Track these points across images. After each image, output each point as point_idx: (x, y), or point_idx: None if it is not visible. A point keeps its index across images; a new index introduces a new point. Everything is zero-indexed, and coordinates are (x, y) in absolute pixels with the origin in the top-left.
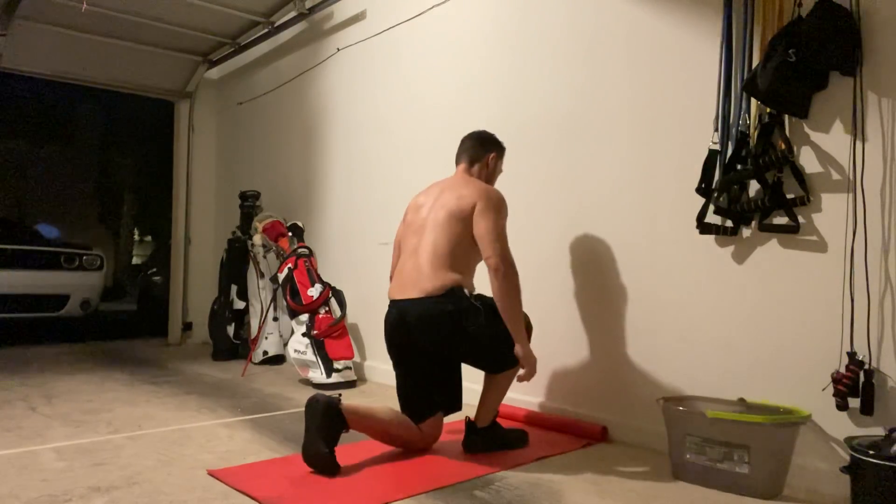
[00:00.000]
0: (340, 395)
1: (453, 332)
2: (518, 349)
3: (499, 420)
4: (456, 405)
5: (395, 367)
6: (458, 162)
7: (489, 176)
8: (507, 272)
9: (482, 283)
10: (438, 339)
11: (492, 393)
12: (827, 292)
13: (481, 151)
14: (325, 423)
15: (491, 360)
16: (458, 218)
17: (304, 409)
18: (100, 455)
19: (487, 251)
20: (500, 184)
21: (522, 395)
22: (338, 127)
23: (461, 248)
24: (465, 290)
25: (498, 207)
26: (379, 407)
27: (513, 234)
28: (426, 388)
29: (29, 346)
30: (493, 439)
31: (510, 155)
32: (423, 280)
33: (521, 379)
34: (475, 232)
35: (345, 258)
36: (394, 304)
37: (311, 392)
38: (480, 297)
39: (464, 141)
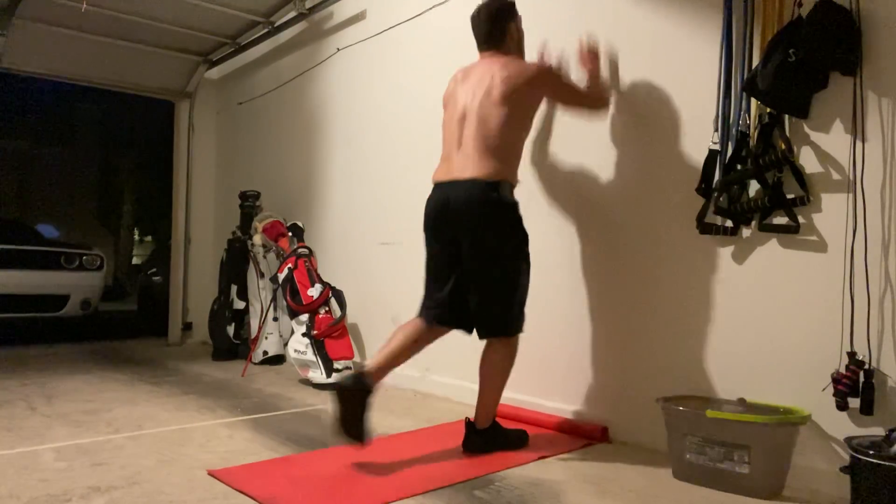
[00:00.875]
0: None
1: (490, 223)
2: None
3: (498, 420)
4: (460, 321)
5: (426, 246)
6: (481, 49)
7: (518, 46)
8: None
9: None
10: (475, 225)
11: (488, 391)
12: (827, 292)
13: (500, 27)
14: (357, 402)
15: (495, 298)
16: (514, 102)
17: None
18: (100, 455)
19: (588, 109)
20: None
21: (523, 395)
22: (338, 127)
23: (510, 130)
24: (512, 185)
25: (559, 76)
26: (389, 348)
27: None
28: (443, 282)
29: (29, 346)
30: (492, 440)
31: None
32: (470, 165)
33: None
34: (564, 104)
35: (345, 258)
36: (438, 185)
37: (312, 392)
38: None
39: (476, 25)
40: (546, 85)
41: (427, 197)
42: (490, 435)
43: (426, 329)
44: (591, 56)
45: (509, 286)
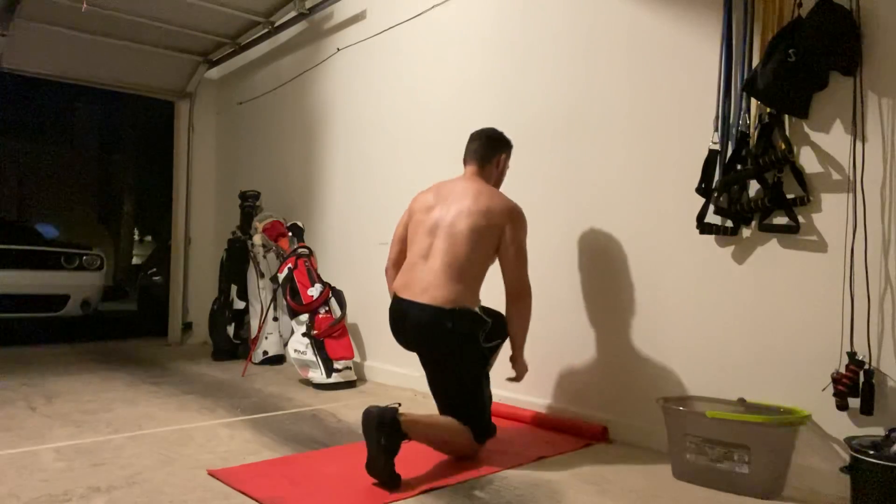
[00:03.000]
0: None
1: (443, 345)
2: (519, 355)
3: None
4: (475, 428)
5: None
6: (466, 162)
7: (499, 177)
8: (528, 300)
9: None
10: (430, 345)
11: (437, 432)
12: (827, 292)
13: (491, 153)
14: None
15: (462, 404)
16: (483, 233)
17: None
18: (100, 455)
19: (513, 276)
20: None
21: (523, 395)
22: (338, 127)
23: (478, 262)
24: (469, 311)
25: (524, 228)
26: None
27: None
28: (442, 394)
29: (29, 346)
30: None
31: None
32: (432, 287)
33: (513, 380)
34: (503, 255)
35: (345, 258)
36: (396, 300)
37: (312, 392)
38: (487, 310)
39: (472, 140)
40: (511, 222)
41: (389, 304)
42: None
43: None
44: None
45: (469, 398)
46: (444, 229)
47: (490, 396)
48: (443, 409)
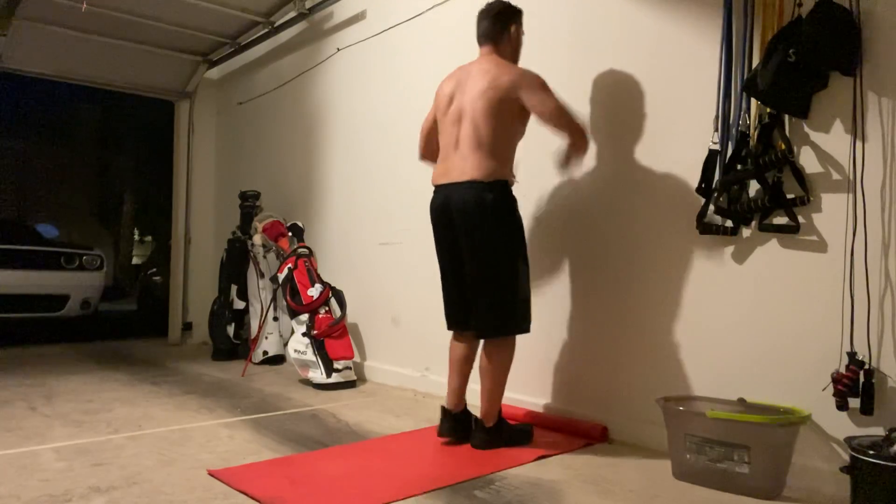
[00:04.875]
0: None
1: (487, 222)
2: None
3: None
4: (484, 327)
5: (437, 251)
6: (480, 44)
7: (515, 48)
8: (586, 138)
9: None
10: (475, 225)
11: (490, 388)
12: (827, 292)
13: (501, 28)
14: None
15: (496, 296)
16: (499, 107)
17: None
18: (100, 455)
19: (564, 131)
20: None
21: (523, 395)
22: (338, 127)
23: (503, 133)
24: (508, 183)
25: (544, 85)
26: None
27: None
28: (459, 292)
29: (29, 346)
30: (499, 436)
31: None
32: (468, 167)
33: (570, 161)
34: (540, 116)
35: (345, 258)
36: (438, 189)
37: (312, 392)
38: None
39: (480, 21)
40: (523, 90)
41: (430, 200)
42: (497, 432)
43: (458, 341)
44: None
45: (509, 286)
46: (466, 115)
47: (528, 286)
48: (477, 308)
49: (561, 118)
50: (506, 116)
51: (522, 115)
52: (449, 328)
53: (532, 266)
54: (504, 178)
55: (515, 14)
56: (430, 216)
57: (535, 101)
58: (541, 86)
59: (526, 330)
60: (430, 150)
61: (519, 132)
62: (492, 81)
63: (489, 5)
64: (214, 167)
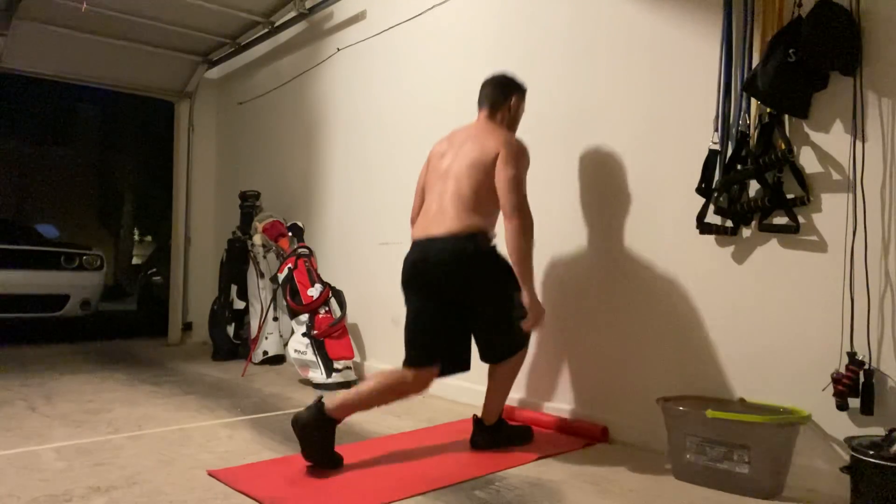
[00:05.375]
0: (321, 396)
1: (471, 274)
2: (524, 296)
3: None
4: (455, 364)
5: (407, 304)
6: (480, 107)
7: (512, 120)
8: (521, 219)
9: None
10: (457, 278)
11: (496, 391)
12: (827, 292)
13: (501, 97)
14: (316, 433)
15: (497, 327)
16: (481, 167)
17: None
18: (100, 455)
19: (503, 200)
20: None
21: (523, 395)
22: (338, 127)
23: (485, 195)
24: (488, 236)
25: (518, 157)
26: (359, 388)
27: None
28: (432, 334)
29: (29, 346)
30: (499, 436)
31: None
32: (447, 220)
33: (525, 327)
34: (496, 181)
35: (345, 258)
36: (416, 243)
37: (312, 392)
38: (501, 256)
39: (484, 86)
40: (499, 154)
41: (405, 255)
42: (497, 431)
43: (411, 374)
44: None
45: (510, 318)
46: (451, 174)
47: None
48: (483, 344)
49: (509, 191)
50: (489, 176)
51: None
52: (412, 365)
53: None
54: (483, 230)
55: (519, 88)
56: (402, 270)
57: (500, 166)
58: (514, 156)
59: (527, 341)
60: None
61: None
62: (480, 145)
63: (495, 74)
64: (214, 167)
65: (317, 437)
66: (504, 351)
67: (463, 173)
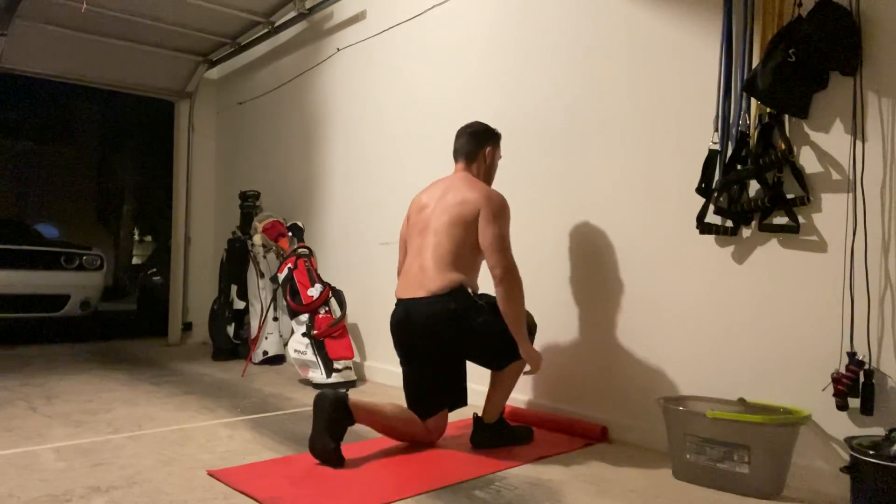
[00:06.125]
0: (347, 390)
1: (458, 329)
2: (522, 352)
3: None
4: (460, 402)
5: (402, 363)
6: (455, 160)
7: (488, 170)
8: (511, 282)
9: (485, 282)
10: (443, 337)
11: (498, 390)
12: (827, 292)
13: (476, 148)
14: (333, 418)
15: (494, 356)
16: (461, 223)
17: (311, 405)
18: (100, 455)
19: (491, 261)
20: (500, 182)
21: (523, 395)
22: (338, 127)
23: (465, 249)
24: (469, 290)
25: (501, 213)
26: (385, 403)
27: (512, 234)
28: (432, 386)
29: (29, 346)
30: (499, 435)
31: (509, 154)
32: (427, 280)
33: (528, 373)
34: (480, 240)
35: (345, 258)
36: (400, 302)
37: (312, 392)
38: (484, 295)
39: (458, 137)
40: (482, 209)
41: (391, 312)
42: (497, 430)
43: (422, 426)
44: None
45: (503, 335)
46: (430, 227)
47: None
48: (487, 367)
49: (495, 250)
50: (470, 232)
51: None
52: (424, 418)
53: (531, 265)
54: (465, 285)
55: (492, 136)
56: (390, 330)
57: (483, 224)
58: (496, 214)
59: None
60: None
61: (480, 250)
62: (461, 197)
63: (468, 124)
64: (214, 167)
65: (331, 422)
66: (504, 361)
67: (442, 229)
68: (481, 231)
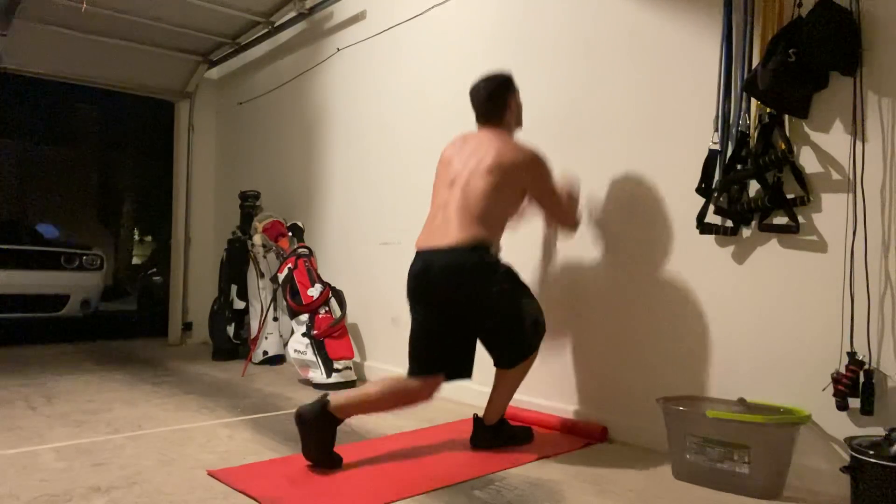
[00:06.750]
0: (326, 394)
1: (474, 287)
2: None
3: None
4: (461, 373)
5: (412, 314)
6: (481, 124)
7: (518, 117)
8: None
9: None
10: (459, 293)
11: (501, 392)
12: (827, 292)
13: (500, 105)
14: (317, 429)
15: (506, 345)
16: (498, 181)
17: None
18: (100, 455)
19: (563, 218)
20: None
21: (523, 395)
22: (338, 127)
23: (494, 204)
24: (493, 249)
25: (548, 174)
26: (365, 387)
27: (513, 233)
28: (436, 344)
29: (29, 346)
30: (500, 435)
31: None
32: (451, 231)
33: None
34: (539, 206)
35: (345, 258)
36: (420, 254)
37: (312, 392)
38: (506, 265)
39: (475, 100)
40: (529, 173)
41: (410, 265)
42: (497, 431)
43: (417, 383)
44: (570, 194)
45: (516, 320)
46: (460, 181)
47: (532, 305)
48: (494, 352)
49: (561, 209)
50: (504, 193)
51: (522, 196)
52: (417, 375)
53: (532, 266)
54: (488, 242)
55: (509, 86)
56: (407, 280)
57: (539, 189)
58: (547, 171)
59: (537, 346)
60: None
61: (514, 207)
62: (496, 157)
63: (480, 85)
64: (214, 167)
65: (318, 434)
66: (514, 358)
67: (475, 186)
68: (540, 192)
